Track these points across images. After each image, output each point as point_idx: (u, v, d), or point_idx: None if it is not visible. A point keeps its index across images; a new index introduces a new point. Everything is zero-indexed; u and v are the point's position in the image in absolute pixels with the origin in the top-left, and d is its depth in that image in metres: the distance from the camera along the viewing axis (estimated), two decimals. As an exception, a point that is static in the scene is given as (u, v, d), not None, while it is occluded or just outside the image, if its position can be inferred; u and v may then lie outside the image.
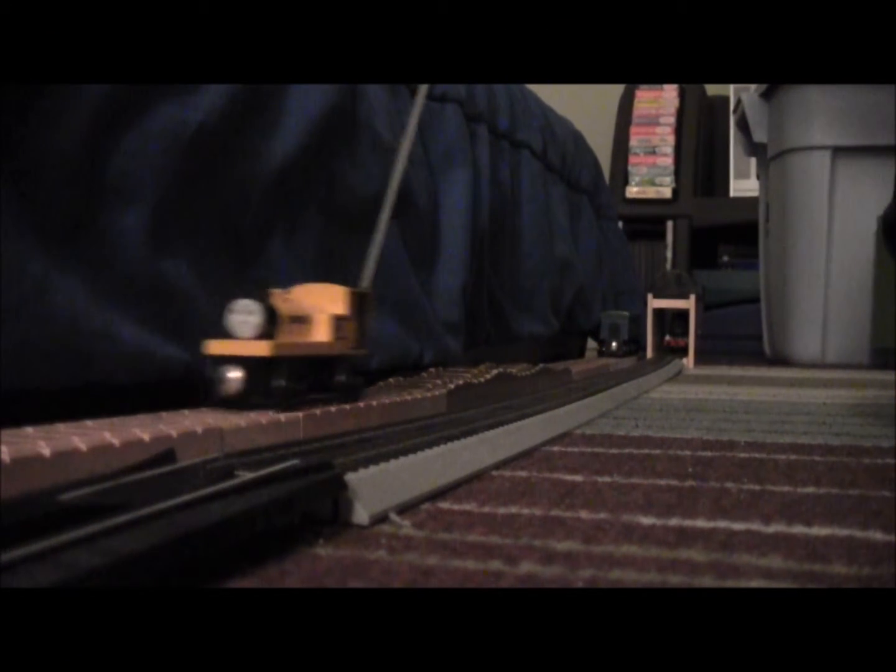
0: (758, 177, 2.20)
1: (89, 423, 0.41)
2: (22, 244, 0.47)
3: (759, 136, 2.01)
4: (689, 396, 0.99)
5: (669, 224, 2.65)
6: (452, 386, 0.69)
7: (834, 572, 0.28)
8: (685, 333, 1.69)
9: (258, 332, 0.47)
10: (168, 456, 0.36)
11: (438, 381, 0.73)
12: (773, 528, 0.34)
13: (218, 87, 0.60)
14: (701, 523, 0.35)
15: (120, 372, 0.53)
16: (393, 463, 0.39)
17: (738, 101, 2.12)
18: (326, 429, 0.50)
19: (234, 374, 0.47)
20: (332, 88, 0.74)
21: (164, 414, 0.46)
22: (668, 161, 2.68)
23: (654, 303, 1.66)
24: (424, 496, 0.39)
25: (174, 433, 0.39)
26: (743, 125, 2.09)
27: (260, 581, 0.27)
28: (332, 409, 0.52)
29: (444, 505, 0.38)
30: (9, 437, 0.35)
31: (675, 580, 0.27)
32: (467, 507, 0.38)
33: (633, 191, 2.66)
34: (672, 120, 2.73)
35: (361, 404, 0.55)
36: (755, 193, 2.25)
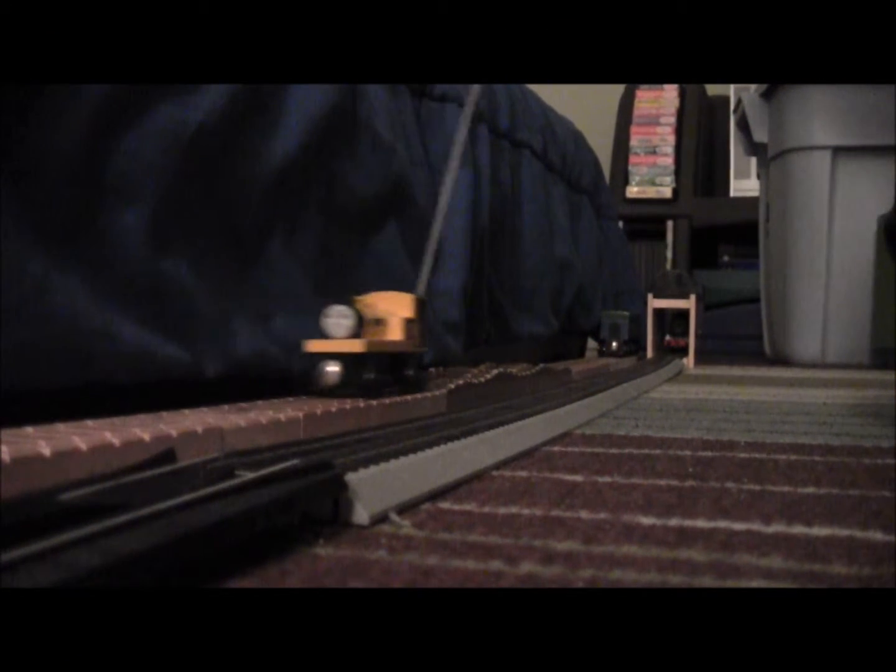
0: (758, 177, 2.21)
1: (89, 423, 0.41)
2: (22, 244, 0.47)
3: (760, 135, 2.02)
4: (690, 396, 0.99)
5: (669, 224, 2.65)
6: (452, 386, 0.69)
7: (834, 572, 0.28)
8: (685, 333, 1.70)
9: (350, 333, 0.56)
10: (168, 456, 0.36)
11: (438, 381, 0.73)
12: (773, 528, 0.34)
13: (218, 87, 0.60)
14: (701, 523, 0.35)
15: (120, 372, 0.53)
16: (393, 463, 0.39)
17: (739, 101, 2.12)
18: (326, 429, 0.50)
19: (333, 368, 0.55)
20: (332, 88, 0.74)
21: (164, 414, 0.46)
22: (669, 161, 2.68)
23: (655, 303, 1.66)
24: (424, 496, 0.39)
25: (174, 433, 0.39)
26: (743, 125, 2.09)
27: (260, 581, 0.27)
28: (333, 408, 0.52)
29: (444, 505, 0.38)
30: (9, 437, 0.35)
31: (676, 580, 0.27)
32: (467, 507, 0.38)
33: (633, 191, 2.66)
34: (672, 120, 2.74)
35: (361, 404, 0.55)
36: (755, 193, 2.25)
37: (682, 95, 2.78)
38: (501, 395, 0.76)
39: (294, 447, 0.41)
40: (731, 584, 0.27)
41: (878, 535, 0.33)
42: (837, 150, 1.82)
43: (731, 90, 2.68)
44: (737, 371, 1.56)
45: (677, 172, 2.67)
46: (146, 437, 0.37)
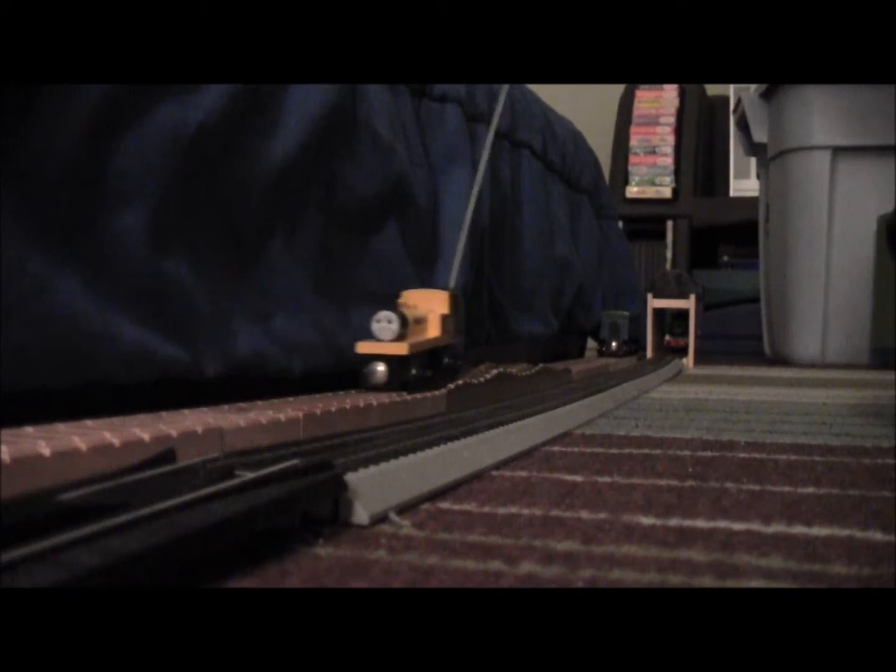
0: (758, 177, 2.20)
1: (89, 423, 0.41)
2: (22, 244, 0.47)
3: (759, 135, 2.01)
4: (689, 396, 0.99)
5: (669, 224, 2.65)
6: (452, 386, 0.70)
7: (834, 572, 0.28)
8: (685, 333, 1.69)
9: (395, 336, 0.62)
10: (168, 456, 0.36)
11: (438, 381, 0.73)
12: (773, 529, 0.34)
13: (218, 87, 0.60)
14: (701, 523, 0.35)
15: (120, 372, 0.53)
16: (393, 463, 0.39)
17: (738, 101, 2.12)
18: (326, 429, 0.50)
19: (380, 368, 0.62)
20: (332, 88, 0.74)
21: (164, 414, 0.46)
22: (668, 161, 2.68)
23: (654, 303, 1.66)
24: (424, 496, 0.39)
25: (174, 433, 0.39)
26: (743, 125, 2.09)
27: (260, 581, 0.27)
28: (333, 408, 0.52)
29: (444, 505, 0.38)
30: (9, 437, 0.35)
31: (675, 580, 0.27)
32: (467, 507, 0.38)
33: (633, 191, 2.66)
34: (672, 120, 2.73)
35: (361, 404, 0.55)
36: (755, 193, 2.25)
37: (682, 95, 2.78)
38: (501, 395, 0.76)
39: (294, 447, 0.41)
40: (730, 584, 0.27)
41: (877, 535, 0.33)
42: (837, 150, 1.82)
43: (731, 90, 2.68)
44: (736, 371, 1.56)
45: (677, 172, 2.66)
46: (146, 437, 0.37)
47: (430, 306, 0.70)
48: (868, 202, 1.76)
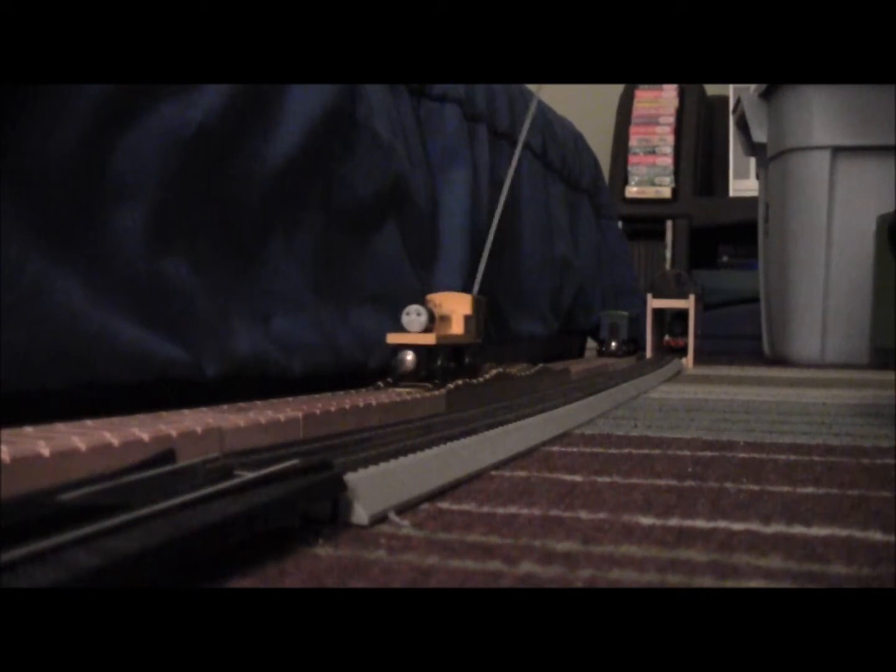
0: (757, 177, 2.20)
1: (89, 423, 0.41)
2: (21, 243, 0.47)
3: (759, 135, 2.01)
4: (689, 396, 0.99)
5: (669, 224, 2.65)
6: (452, 386, 0.70)
7: (833, 572, 0.28)
8: (684, 333, 1.69)
9: (423, 328, 0.66)
10: (168, 456, 0.36)
11: (438, 381, 0.73)
12: (772, 529, 0.34)
13: (218, 87, 0.60)
14: (700, 523, 0.35)
15: (120, 372, 0.53)
16: (393, 463, 0.39)
17: (738, 101, 2.11)
18: (326, 429, 0.50)
19: (409, 357, 0.66)
20: (331, 88, 0.74)
21: (164, 414, 0.46)
22: (668, 161, 2.68)
23: (654, 303, 1.66)
24: (424, 496, 0.39)
25: (174, 433, 0.39)
26: (743, 125, 2.09)
27: (260, 581, 0.27)
28: (332, 408, 0.52)
29: (444, 505, 0.38)
30: (9, 437, 0.35)
31: (675, 580, 0.27)
32: (467, 507, 0.38)
33: (632, 191, 2.66)
34: (672, 120, 2.73)
35: (361, 404, 0.55)
36: (755, 193, 2.25)
37: (682, 95, 2.78)
38: (501, 395, 0.76)
39: (293, 447, 0.41)
40: (730, 584, 0.27)
41: (877, 535, 0.33)
42: (837, 150, 1.82)
43: (731, 90, 2.68)
44: (736, 371, 1.56)
45: (676, 172, 2.66)
46: (146, 437, 0.37)
47: (453, 307, 0.74)
48: (868, 202, 1.76)
